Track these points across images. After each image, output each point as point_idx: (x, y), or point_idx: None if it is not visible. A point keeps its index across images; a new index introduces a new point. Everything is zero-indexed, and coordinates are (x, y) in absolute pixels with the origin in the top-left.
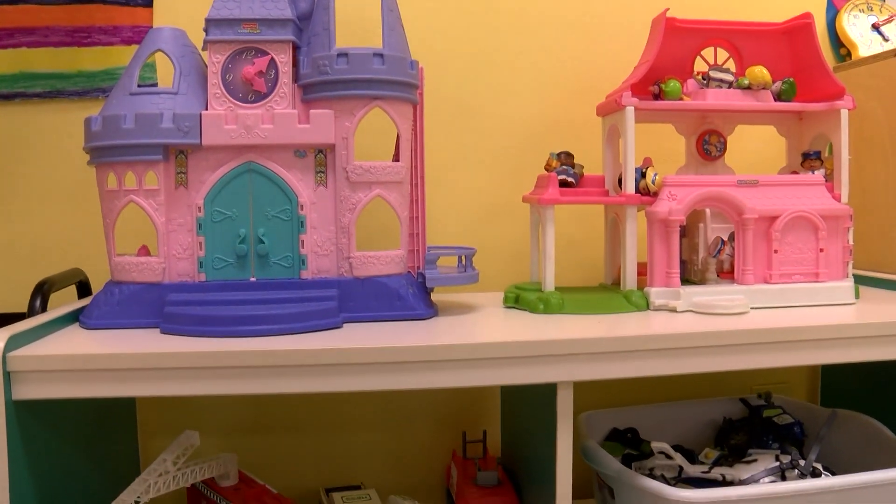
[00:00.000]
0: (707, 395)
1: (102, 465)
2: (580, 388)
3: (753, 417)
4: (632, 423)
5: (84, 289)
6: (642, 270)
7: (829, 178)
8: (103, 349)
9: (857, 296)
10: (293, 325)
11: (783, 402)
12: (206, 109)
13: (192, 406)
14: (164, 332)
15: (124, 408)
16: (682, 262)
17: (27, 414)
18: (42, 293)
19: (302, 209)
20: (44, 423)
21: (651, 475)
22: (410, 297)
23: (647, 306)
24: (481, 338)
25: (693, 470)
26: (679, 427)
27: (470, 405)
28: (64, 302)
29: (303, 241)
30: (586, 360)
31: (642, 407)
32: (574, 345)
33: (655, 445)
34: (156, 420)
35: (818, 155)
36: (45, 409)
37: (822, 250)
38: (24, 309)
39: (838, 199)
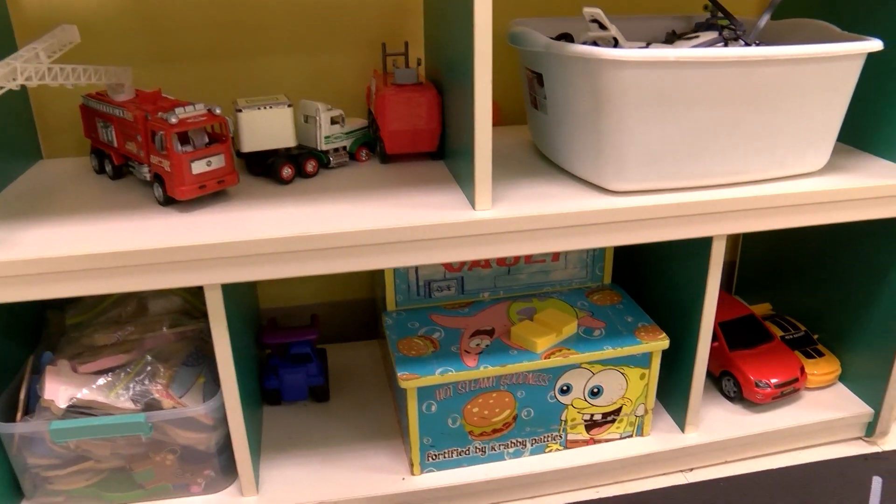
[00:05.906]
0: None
1: None
2: None
3: (699, 29)
4: (567, 31)
5: None
6: None
7: None
8: None
9: None
10: None
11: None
12: None
13: (85, 32)
14: None
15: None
16: None
17: None
18: None
19: None
20: None
21: None
22: None
23: None
24: None
25: (629, 44)
26: None
27: (391, 23)
28: None
29: None
30: None
31: (579, 18)
32: None
33: (587, 11)
34: None
35: None
36: None
37: None
38: None
39: None
